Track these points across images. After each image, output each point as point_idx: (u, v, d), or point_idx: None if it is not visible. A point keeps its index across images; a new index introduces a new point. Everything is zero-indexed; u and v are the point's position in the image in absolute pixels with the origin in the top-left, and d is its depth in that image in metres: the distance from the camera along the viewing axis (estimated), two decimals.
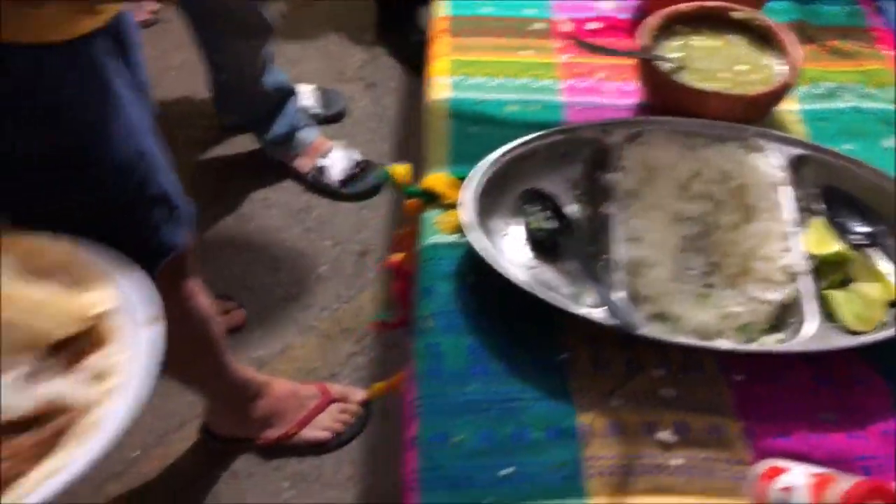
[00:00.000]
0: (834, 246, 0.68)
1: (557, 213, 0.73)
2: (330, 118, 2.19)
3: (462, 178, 0.76)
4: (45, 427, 0.43)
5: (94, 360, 0.46)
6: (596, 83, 0.87)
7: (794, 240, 0.68)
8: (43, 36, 0.75)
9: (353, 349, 1.72)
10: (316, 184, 1.99)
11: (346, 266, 1.87)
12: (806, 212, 0.73)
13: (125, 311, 0.48)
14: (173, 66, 2.26)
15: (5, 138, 0.76)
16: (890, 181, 0.73)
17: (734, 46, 0.83)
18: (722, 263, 0.68)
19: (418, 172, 0.85)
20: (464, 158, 0.79)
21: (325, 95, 2.20)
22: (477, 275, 0.70)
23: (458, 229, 0.73)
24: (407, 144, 2.16)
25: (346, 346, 1.72)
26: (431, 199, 0.76)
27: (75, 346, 0.46)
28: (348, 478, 1.51)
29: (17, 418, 0.43)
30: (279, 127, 1.94)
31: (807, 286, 0.66)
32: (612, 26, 0.94)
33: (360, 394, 1.60)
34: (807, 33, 0.93)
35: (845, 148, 0.80)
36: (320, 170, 1.99)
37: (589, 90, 0.86)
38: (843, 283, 0.68)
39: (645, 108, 0.84)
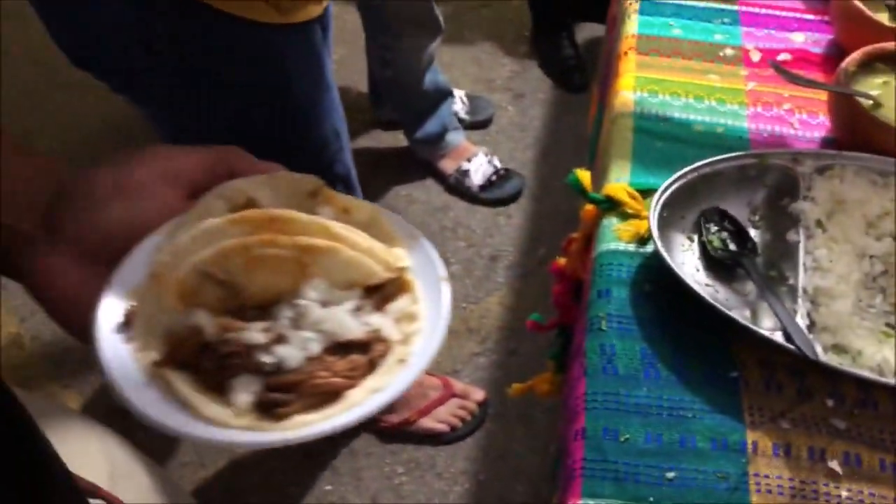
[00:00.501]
0: None
1: (739, 234, 0.74)
2: (476, 124, 2.25)
3: (642, 190, 0.79)
4: (370, 352, 0.50)
5: (398, 306, 0.53)
6: (782, 113, 0.88)
7: None
8: (275, 18, 0.82)
9: (476, 349, 1.76)
10: (457, 186, 2.05)
11: (477, 268, 1.92)
12: None
13: (420, 268, 0.55)
14: (333, 59, 2.37)
15: (235, 107, 0.84)
16: None
17: None
18: None
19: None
20: (646, 171, 0.81)
21: (474, 102, 2.26)
22: (654, 284, 0.72)
23: (637, 238, 0.75)
24: (548, 155, 2.19)
25: (469, 346, 1.76)
26: (612, 207, 0.79)
27: (383, 292, 0.53)
28: (461, 472, 1.55)
29: (347, 341, 0.50)
30: (431, 126, 2.00)
31: None
32: (802, 59, 0.94)
33: (479, 393, 1.63)
34: None
35: None
36: (463, 173, 2.04)
37: (775, 119, 0.87)
38: None
39: (831, 143, 0.84)
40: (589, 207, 0.81)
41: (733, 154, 0.77)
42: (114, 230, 0.51)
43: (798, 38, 0.96)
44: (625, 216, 0.78)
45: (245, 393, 0.48)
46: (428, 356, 0.50)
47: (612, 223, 0.78)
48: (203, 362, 0.49)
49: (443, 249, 1.95)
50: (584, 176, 0.83)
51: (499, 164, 2.08)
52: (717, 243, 0.74)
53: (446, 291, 0.53)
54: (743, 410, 0.64)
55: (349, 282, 0.52)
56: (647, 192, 0.78)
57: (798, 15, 0.99)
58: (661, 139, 0.85)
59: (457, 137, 2.06)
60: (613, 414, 0.64)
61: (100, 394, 1.68)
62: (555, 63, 2.37)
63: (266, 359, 0.48)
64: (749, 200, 0.77)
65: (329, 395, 0.49)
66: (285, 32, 0.83)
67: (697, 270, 0.73)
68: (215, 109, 0.85)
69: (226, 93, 0.84)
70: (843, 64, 0.82)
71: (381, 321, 0.52)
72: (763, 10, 1.00)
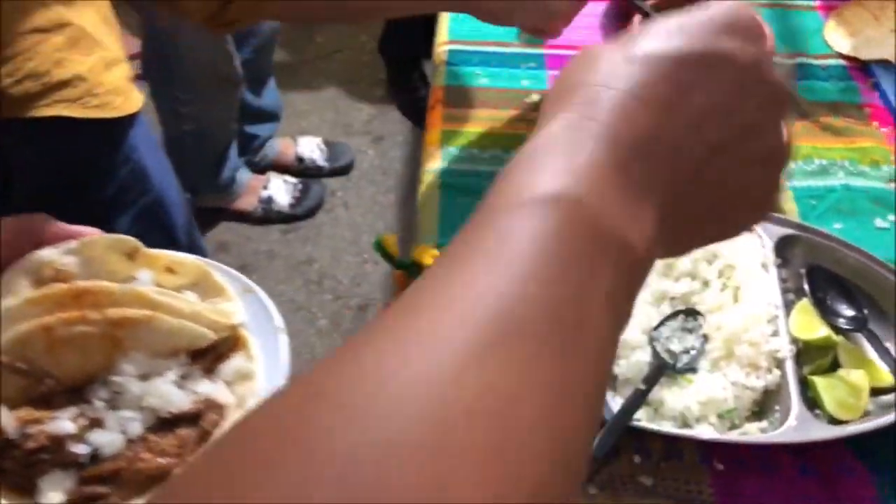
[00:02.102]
0: (820, 330, 0.68)
1: None
2: (337, 170, 2.21)
3: None
4: (202, 422, 0.46)
5: (231, 366, 0.49)
6: None
7: (780, 323, 0.68)
8: (126, 109, 0.80)
9: None
10: (267, 215, 2.03)
11: (346, 321, 1.87)
12: (792, 293, 0.73)
13: (256, 323, 0.52)
14: None
15: (99, 193, 0.81)
16: (876, 263, 0.72)
17: None
18: (706, 347, 0.68)
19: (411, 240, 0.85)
20: (453, 230, 0.79)
21: (332, 148, 2.23)
22: None
23: None
24: (411, 198, 2.18)
25: None
26: (418, 271, 0.76)
27: (214, 353, 0.50)
28: None
29: (174, 415, 0.46)
30: (225, 174, 1.96)
31: (792, 372, 0.65)
32: None
33: None
34: (800, 108, 0.93)
35: (835, 227, 0.80)
36: (267, 200, 2.03)
37: None
38: (830, 368, 0.68)
39: None
40: (398, 272, 0.79)
41: None
42: None
43: None
44: None
45: (56, 492, 0.43)
46: None
47: None
48: (5, 463, 0.43)
49: (309, 304, 1.90)
50: (390, 240, 0.81)
51: (294, 179, 2.07)
52: None
53: (283, 342, 0.51)
54: None
55: (173, 349, 0.48)
56: None
57: None
58: (466, 195, 0.83)
59: (245, 174, 2.03)
60: None
61: None
62: (411, 104, 2.37)
63: (79, 449, 0.43)
64: None
65: (157, 478, 0.44)
66: (132, 122, 0.82)
67: None
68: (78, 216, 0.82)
69: (91, 200, 0.81)
70: None
71: (210, 387, 0.48)
72: (568, 52, 1.00)
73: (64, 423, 0.44)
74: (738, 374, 0.65)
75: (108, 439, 0.44)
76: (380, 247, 0.79)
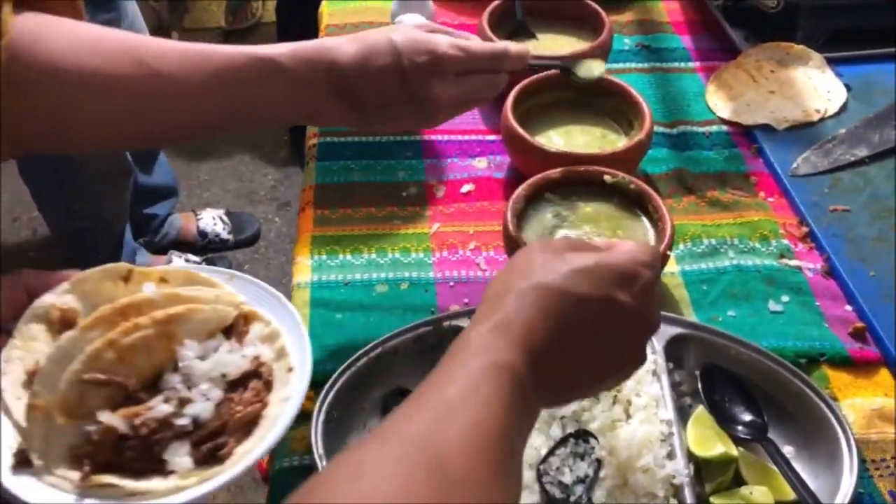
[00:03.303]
0: (717, 447, 0.63)
1: None
2: (242, 242, 2.12)
3: (323, 383, 0.70)
4: (263, 374, 0.58)
5: (256, 332, 0.60)
6: (468, 254, 0.82)
7: (675, 442, 0.63)
8: None
9: None
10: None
11: None
12: (688, 396, 0.69)
13: (249, 298, 0.63)
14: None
15: None
16: (770, 360, 0.68)
17: (605, 211, 0.80)
18: (599, 474, 0.62)
19: None
20: (328, 353, 0.72)
21: (236, 219, 2.14)
22: None
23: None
24: None
25: None
26: None
27: (238, 328, 0.60)
28: None
29: (240, 376, 0.57)
30: (122, 261, 1.87)
31: (690, 500, 0.60)
32: (486, 188, 0.89)
33: None
34: (686, 183, 0.90)
35: (729, 315, 0.77)
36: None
37: (461, 263, 0.81)
38: (734, 482, 0.63)
39: None
40: None
41: (406, 326, 0.70)
42: None
43: (481, 165, 0.92)
44: (301, 418, 0.68)
45: (181, 457, 0.53)
46: (308, 355, 0.59)
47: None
48: (126, 452, 0.53)
49: None
50: None
51: (197, 258, 2.00)
52: None
53: (286, 301, 0.64)
54: None
55: (211, 330, 0.58)
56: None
57: (480, 137, 0.96)
58: (340, 310, 0.77)
59: (144, 257, 1.93)
60: None
61: None
62: None
63: (183, 421, 0.53)
64: None
65: (252, 421, 0.56)
66: None
67: None
68: None
69: None
70: (511, 202, 0.78)
71: (255, 349, 0.59)
72: (445, 137, 0.95)
73: (161, 407, 0.53)
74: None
75: (200, 408, 0.54)
76: None
